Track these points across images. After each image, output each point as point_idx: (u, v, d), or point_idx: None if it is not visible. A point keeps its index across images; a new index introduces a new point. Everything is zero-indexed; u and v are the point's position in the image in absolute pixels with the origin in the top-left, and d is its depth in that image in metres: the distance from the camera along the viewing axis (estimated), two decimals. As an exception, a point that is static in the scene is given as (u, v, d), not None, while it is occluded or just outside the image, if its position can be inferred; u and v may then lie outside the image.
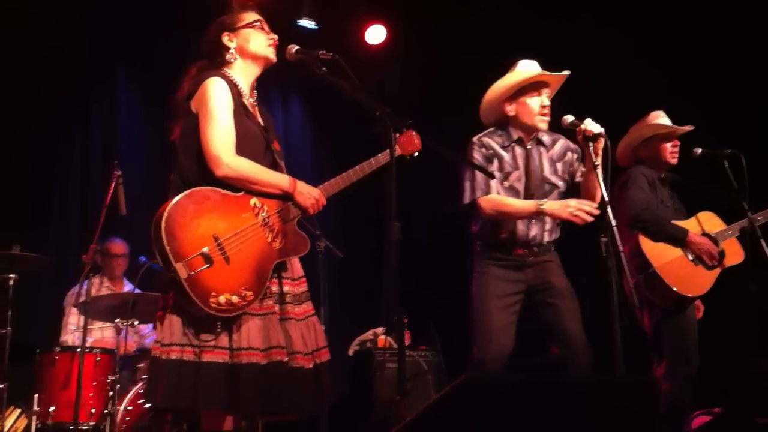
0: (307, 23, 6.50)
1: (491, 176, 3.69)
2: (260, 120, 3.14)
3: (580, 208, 3.57)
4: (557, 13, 6.17)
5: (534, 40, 5.46)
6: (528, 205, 3.69)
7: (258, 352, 2.81)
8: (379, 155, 3.17)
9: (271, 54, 3.13)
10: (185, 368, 2.77)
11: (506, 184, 3.78)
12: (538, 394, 1.92)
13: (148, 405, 4.28)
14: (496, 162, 3.78)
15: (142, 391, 4.63)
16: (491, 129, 3.89)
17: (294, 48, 3.11)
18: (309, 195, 3.02)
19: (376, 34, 6.83)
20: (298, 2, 6.49)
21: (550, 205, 3.64)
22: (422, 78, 6.58)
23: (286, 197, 3.01)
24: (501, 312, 3.67)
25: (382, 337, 5.49)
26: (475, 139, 3.84)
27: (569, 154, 3.92)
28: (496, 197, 3.74)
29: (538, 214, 3.68)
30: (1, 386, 4.52)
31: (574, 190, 3.90)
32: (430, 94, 6.49)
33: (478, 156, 3.77)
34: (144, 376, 4.79)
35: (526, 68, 3.85)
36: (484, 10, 6.33)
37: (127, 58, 6.55)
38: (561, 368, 3.59)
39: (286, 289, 2.98)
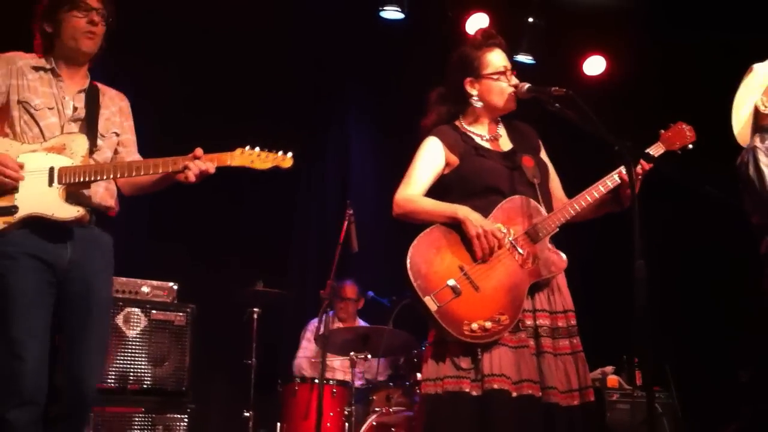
0: (524, 58, 6.51)
1: None
2: (505, 146, 3.20)
3: None
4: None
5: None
6: None
7: (509, 381, 2.81)
8: (607, 179, 3.07)
9: (511, 104, 3.20)
10: (441, 400, 2.84)
11: None
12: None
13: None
14: None
15: (375, 423, 4.79)
16: (758, 135, 3.52)
17: (526, 86, 3.14)
18: (475, 224, 2.93)
19: (594, 66, 6.72)
20: (516, 37, 6.50)
21: None
22: (645, 107, 6.35)
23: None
24: None
25: (612, 376, 5.33)
26: (759, 144, 3.43)
27: None
28: None
29: None
30: (248, 414, 4.85)
31: None
32: (658, 124, 6.23)
33: None
34: (376, 408, 4.96)
35: None
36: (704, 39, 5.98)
37: (359, 97, 6.88)
38: None
39: (540, 322, 2.94)
